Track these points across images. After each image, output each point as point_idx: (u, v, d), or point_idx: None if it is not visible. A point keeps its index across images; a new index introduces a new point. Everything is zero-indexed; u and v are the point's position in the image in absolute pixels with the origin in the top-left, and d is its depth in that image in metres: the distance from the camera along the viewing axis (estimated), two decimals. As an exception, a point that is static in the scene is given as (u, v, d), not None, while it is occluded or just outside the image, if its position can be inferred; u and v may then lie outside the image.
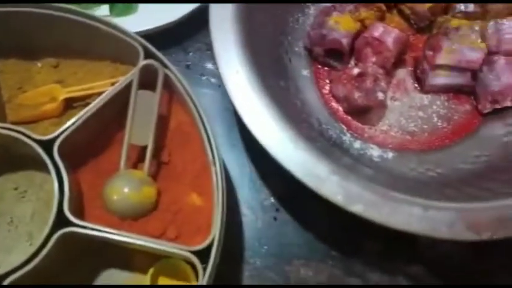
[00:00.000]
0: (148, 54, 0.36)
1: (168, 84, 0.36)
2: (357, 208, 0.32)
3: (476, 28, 0.43)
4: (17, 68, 0.40)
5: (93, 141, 0.37)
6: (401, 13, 0.47)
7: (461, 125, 0.44)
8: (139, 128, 0.36)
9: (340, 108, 0.44)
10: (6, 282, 0.30)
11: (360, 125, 0.44)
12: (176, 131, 0.38)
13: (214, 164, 0.33)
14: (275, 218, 0.42)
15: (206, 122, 0.34)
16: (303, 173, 0.33)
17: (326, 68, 0.46)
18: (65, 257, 0.34)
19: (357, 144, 0.43)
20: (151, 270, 0.35)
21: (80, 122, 0.33)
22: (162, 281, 0.37)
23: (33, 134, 0.33)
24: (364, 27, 0.44)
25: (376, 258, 0.41)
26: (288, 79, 0.43)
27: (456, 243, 0.41)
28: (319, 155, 0.34)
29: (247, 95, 0.35)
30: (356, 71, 0.42)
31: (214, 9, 0.37)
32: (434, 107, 0.45)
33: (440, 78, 0.43)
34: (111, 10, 0.46)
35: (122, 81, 0.35)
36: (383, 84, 0.42)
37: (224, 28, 0.37)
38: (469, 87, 0.44)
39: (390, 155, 0.43)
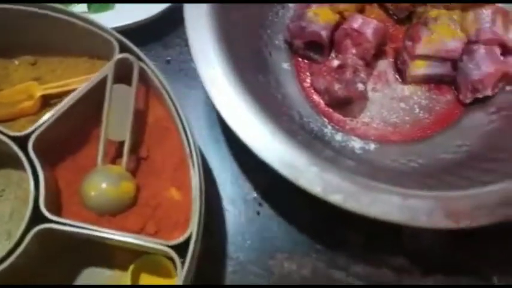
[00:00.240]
0: (124, 49, 0.35)
1: (145, 79, 0.36)
2: (335, 198, 0.32)
3: (456, 18, 0.43)
4: (-6, 66, 0.40)
5: (71, 138, 0.36)
6: (380, 4, 0.47)
7: (443, 115, 0.44)
8: (117, 124, 0.35)
9: (322, 101, 0.44)
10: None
11: (341, 117, 0.44)
12: (154, 126, 0.37)
13: (191, 157, 0.32)
14: (258, 213, 0.42)
15: (183, 115, 0.34)
16: (282, 165, 0.33)
17: (307, 61, 0.46)
18: (43, 254, 0.34)
19: (339, 137, 0.43)
20: (132, 267, 0.35)
21: (53, 118, 0.33)
22: (144, 277, 0.36)
23: (7, 130, 0.33)
24: (343, 19, 0.44)
25: (360, 250, 0.41)
26: (268, 73, 0.43)
27: (439, 234, 0.41)
28: (299, 147, 0.34)
29: (224, 91, 0.35)
30: (336, 62, 0.42)
31: (189, 8, 0.37)
32: (416, 97, 0.45)
33: (421, 69, 0.43)
34: (89, 7, 0.46)
35: (95, 76, 0.34)
36: (363, 75, 0.42)
37: (200, 24, 0.37)
38: (449, 77, 0.44)
39: (372, 146, 0.43)
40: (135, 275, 0.36)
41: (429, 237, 0.41)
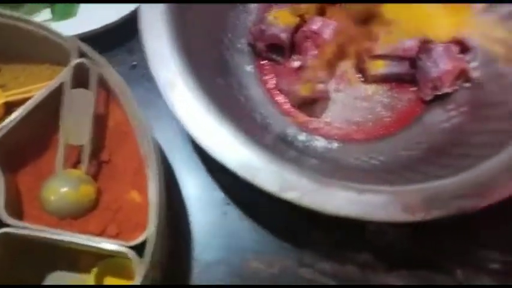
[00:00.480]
0: (82, 55, 0.36)
1: (104, 83, 0.36)
2: (292, 195, 0.33)
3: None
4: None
5: (31, 143, 0.36)
6: (341, 6, 0.47)
7: (405, 113, 0.45)
8: (77, 128, 0.36)
9: (286, 102, 0.45)
10: None
11: (305, 117, 0.45)
12: (115, 130, 0.38)
13: (149, 159, 0.33)
14: (225, 213, 0.42)
15: (140, 118, 0.34)
16: (238, 165, 0.34)
17: (270, 63, 0.46)
18: (5, 259, 0.34)
19: (302, 137, 0.43)
20: (95, 270, 0.35)
21: (11, 125, 0.33)
22: (108, 280, 0.37)
23: (-35, 137, 0.33)
24: (303, 21, 0.45)
25: (326, 248, 0.42)
26: (230, 75, 0.44)
27: (402, 230, 0.42)
28: (257, 147, 0.34)
29: (181, 94, 0.35)
30: (296, 64, 0.43)
31: (145, 9, 0.38)
32: (378, 96, 0.45)
33: (380, 69, 0.44)
34: (52, 14, 0.46)
35: (53, 82, 0.35)
36: (323, 75, 0.43)
37: (156, 28, 0.37)
38: (409, 76, 0.45)
39: (335, 145, 0.43)
40: (99, 278, 0.36)
41: (392, 233, 0.42)
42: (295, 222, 0.42)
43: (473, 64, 0.44)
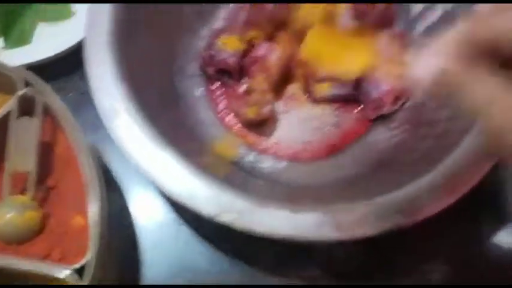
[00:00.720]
0: (28, 84, 0.37)
1: (50, 111, 0.37)
2: (226, 218, 0.34)
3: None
4: None
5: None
6: (289, 31, 0.49)
7: (350, 131, 0.46)
8: (23, 156, 0.37)
9: (236, 123, 0.46)
10: None
11: (255, 137, 0.46)
12: (62, 156, 0.39)
13: (91, 184, 0.34)
14: (177, 233, 0.43)
15: (84, 144, 0.36)
16: (177, 190, 0.35)
17: (220, 86, 0.48)
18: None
19: (251, 157, 0.45)
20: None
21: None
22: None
23: None
24: (252, 46, 0.47)
25: (275, 264, 0.43)
26: (179, 100, 0.45)
27: (349, 244, 0.43)
28: (196, 172, 0.36)
29: (123, 122, 0.36)
30: (244, 87, 0.45)
31: (90, 38, 0.39)
32: (325, 116, 0.47)
33: (326, 90, 0.46)
34: (6, 42, 0.48)
35: (-1, 112, 0.36)
36: (269, 98, 0.44)
37: (100, 57, 0.38)
38: (353, 96, 0.46)
39: (283, 165, 0.45)
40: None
41: (340, 248, 0.43)
42: (245, 241, 0.43)
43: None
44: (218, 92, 0.48)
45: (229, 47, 0.46)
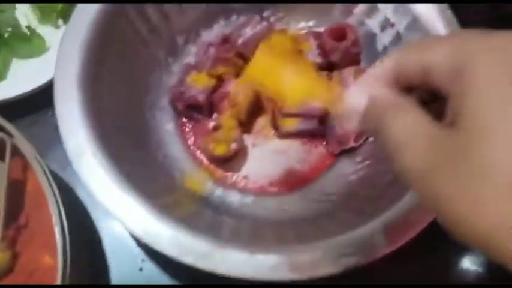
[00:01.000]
0: (-1, 127, 0.38)
1: (19, 151, 0.39)
2: (188, 260, 0.35)
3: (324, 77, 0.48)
4: None
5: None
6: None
7: (316, 166, 0.48)
8: (-6, 196, 0.38)
9: (205, 158, 0.48)
10: None
11: (223, 172, 0.48)
12: (32, 195, 0.40)
13: (58, 224, 0.36)
14: (141, 269, 0.45)
15: (53, 185, 0.37)
16: (142, 231, 0.36)
17: (191, 121, 0.49)
18: None
19: (219, 192, 0.46)
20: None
21: None
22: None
23: None
24: (222, 82, 0.48)
25: None
26: (149, 135, 0.46)
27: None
28: (164, 211, 0.37)
29: (89, 162, 0.38)
30: (211, 124, 0.46)
31: (58, 76, 0.40)
32: (292, 151, 0.49)
33: (292, 126, 0.47)
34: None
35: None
36: (237, 135, 0.46)
37: (68, 95, 0.39)
38: (318, 131, 0.48)
39: (250, 200, 0.46)
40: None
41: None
42: (208, 278, 0.45)
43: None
44: (189, 127, 0.49)
45: (198, 83, 0.47)
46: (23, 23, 0.52)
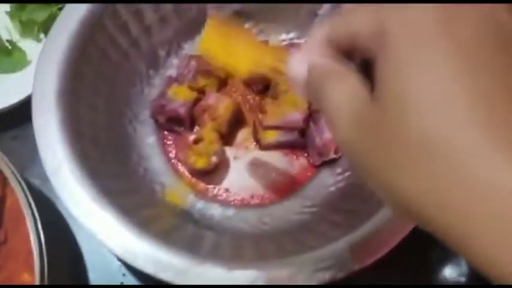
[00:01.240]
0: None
1: (-2, 168, 0.39)
2: (166, 276, 0.35)
3: (304, 89, 0.48)
4: None
5: None
6: (240, 79, 0.51)
7: (297, 178, 0.48)
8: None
9: (186, 171, 0.48)
10: None
11: (204, 185, 0.48)
12: (12, 211, 0.40)
13: (33, 240, 0.36)
14: (122, 283, 0.45)
15: (28, 200, 0.37)
16: (120, 248, 0.36)
17: (172, 134, 0.49)
18: None
19: (200, 205, 0.46)
20: None
21: None
22: None
23: None
24: (203, 94, 0.48)
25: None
26: (130, 148, 0.46)
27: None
28: (142, 227, 0.37)
29: (67, 180, 0.38)
30: (192, 137, 0.46)
31: (36, 90, 0.40)
32: (273, 162, 0.49)
33: (273, 138, 0.47)
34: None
35: None
36: (218, 147, 0.46)
37: (46, 110, 0.40)
38: (299, 143, 0.48)
39: (231, 212, 0.46)
40: None
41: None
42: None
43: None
44: (170, 140, 0.49)
45: (180, 96, 0.47)
46: (4, 36, 0.52)
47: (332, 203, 0.46)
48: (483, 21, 0.18)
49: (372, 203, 0.41)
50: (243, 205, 0.47)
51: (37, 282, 0.35)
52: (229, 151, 0.49)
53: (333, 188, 0.47)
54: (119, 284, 0.45)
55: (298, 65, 0.23)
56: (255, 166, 0.49)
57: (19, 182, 0.38)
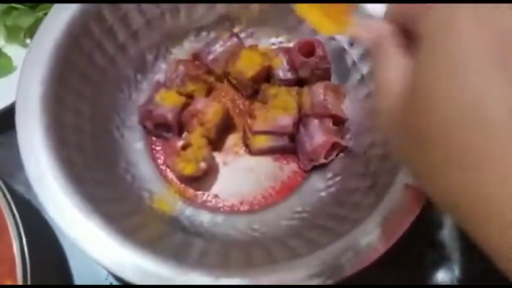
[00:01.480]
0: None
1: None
2: (149, 284, 0.35)
3: (294, 94, 0.48)
4: None
5: None
6: (230, 82, 0.50)
7: (287, 183, 0.47)
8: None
9: (175, 177, 0.47)
10: None
11: (193, 192, 0.47)
12: (-5, 220, 0.39)
13: (16, 250, 0.35)
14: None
15: (15, 212, 0.36)
16: (102, 256, 0.35)
17: (160, 140, 0.49)
18: None
19: (189, 211, 0.46)
20: None
21: None
22: None
23: None
24: (191, 99, 0.48)
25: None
26: (118, 155, 0.46)
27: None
28: (127, 236, 0.36)
29: (51, 189, 0.37)
30: (180, 143, 0.45)
31: (20, 97, 0.40)
32: (263, 168, 0.48)
33: (262, 143, 0.47)
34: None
35: None
36: (206, 153, 0.45)
37: (30, 118, 0.39)
38: (289, 148, 0.47)
39: (221, 218, 0.46)
40: None
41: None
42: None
43: (347, 136, 0.47)
44: (159, 146, 0.49)
45: (167, 101, 0.47)
46: (-10, 42, 0.51)
47: (322, 208, 0.45)
48: None
49: (362, 209, 0.40)
50: (233, 211, 0.46)
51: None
52: (219, 157, 0.48)
53: (323, 193, 0.46)
54: None
55: (367, 27, 0.28)
56: (245, 172, 0.48)
57: (1, 189, 0.37)
